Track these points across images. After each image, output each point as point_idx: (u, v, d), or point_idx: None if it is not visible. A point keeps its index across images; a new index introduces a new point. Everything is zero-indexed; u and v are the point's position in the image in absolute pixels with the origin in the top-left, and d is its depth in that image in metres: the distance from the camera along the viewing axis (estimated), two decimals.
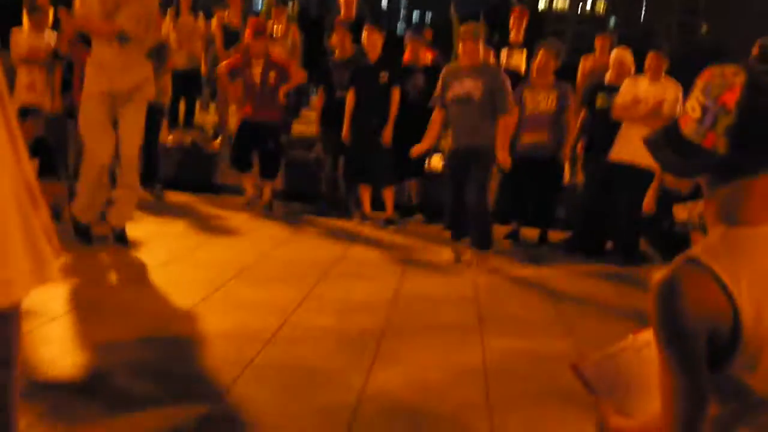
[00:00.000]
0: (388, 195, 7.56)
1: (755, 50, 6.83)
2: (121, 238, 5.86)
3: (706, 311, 1.30)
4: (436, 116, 6.35)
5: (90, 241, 5.80)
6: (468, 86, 6.10)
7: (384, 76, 7.35)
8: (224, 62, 7.98)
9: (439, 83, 6.33)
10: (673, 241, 6.13)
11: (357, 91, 7.39)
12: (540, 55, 7.07)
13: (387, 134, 7.33)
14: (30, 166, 1.80)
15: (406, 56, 7.93)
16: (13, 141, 1.73)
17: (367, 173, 7.47)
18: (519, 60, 8.48)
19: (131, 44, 5.56)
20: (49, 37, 7.45)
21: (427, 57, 8.02)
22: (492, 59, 7.80)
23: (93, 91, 5.63)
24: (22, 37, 7.36)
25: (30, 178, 1.78)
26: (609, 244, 7.05)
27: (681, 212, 6.20)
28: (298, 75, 7.95)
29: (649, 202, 6.40)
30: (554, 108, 6.98)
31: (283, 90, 7.64)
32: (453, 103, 6.20)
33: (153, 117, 7.73)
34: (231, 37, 9.13)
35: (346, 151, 7.55)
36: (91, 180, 5.66)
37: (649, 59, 6.88)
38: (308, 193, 8.28)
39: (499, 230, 7.28)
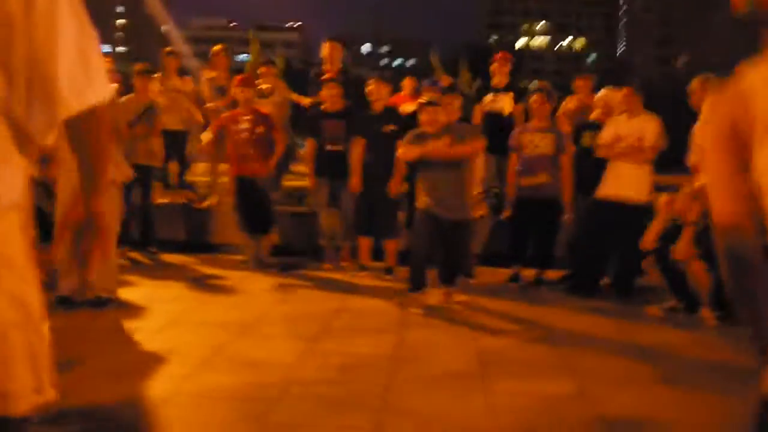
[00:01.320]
0: (391, 245, 7.53)
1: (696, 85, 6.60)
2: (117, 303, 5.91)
3: None
4: None
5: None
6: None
7: (389, 126, 7.33)
8: (211, 125, 8.00)
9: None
10: (677, 272, 6.11)
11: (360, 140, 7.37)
12: (534, 99, 7.20)
13: (394, 185, 7.23)
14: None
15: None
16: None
17: (371, 225, 7.44)
18: (504, 103, 8.59)
19: None
20: None
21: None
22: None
23: None
24: None
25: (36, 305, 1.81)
26: (605, 281, 7.09)
27: (678, 204, 6.13)
28: (282, 141, 7.91)
29: (648, 239, 6.32)
30: (552, 150, 7.08)
31: (272, 161, 7.76)
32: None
33: (145, 179, 7.81)
34: (219, 94, 9.22)
35: (349, 202, 7.52)
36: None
37: (624, 96, 6.99)
38: (302, 247, 8.29)
39: (500, 273, 7.33)
